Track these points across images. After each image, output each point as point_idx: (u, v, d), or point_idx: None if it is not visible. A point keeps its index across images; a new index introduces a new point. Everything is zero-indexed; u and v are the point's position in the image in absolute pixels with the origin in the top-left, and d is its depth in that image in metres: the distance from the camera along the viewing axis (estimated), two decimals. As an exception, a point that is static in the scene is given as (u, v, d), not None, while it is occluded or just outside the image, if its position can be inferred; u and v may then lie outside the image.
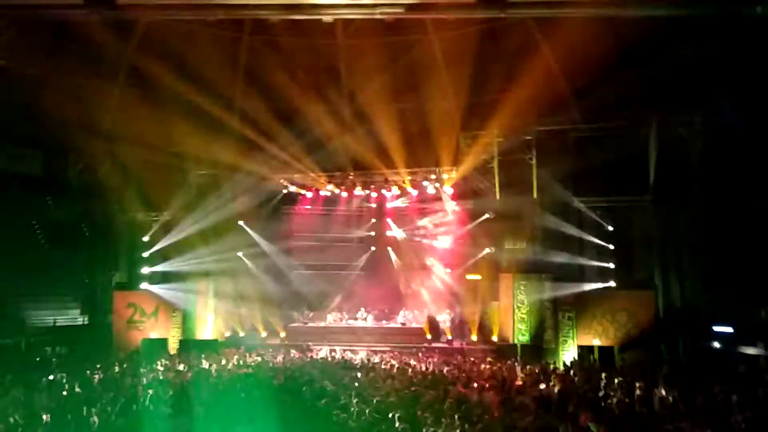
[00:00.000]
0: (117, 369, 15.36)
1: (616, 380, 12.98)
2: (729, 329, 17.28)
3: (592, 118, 19.70)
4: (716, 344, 17.34)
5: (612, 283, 19.58)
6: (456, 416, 9.14)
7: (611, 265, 19.79)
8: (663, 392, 11.77)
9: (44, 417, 9.57)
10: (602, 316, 18.89)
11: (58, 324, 21.42)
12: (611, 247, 19.89)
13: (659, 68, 19.03)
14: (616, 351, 18.41)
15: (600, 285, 19.46)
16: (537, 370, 15.13)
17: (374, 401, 10.33)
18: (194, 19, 16.10)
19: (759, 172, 16.46)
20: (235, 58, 21.66)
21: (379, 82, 21.62)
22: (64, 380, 13.34)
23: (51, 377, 13.75)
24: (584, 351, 18.65)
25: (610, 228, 19.94)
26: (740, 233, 16.84)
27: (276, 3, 9.62)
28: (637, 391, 11.84)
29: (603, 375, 13.52)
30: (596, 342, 18.78)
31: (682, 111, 18.56)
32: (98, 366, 15.47)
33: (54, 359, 17.81)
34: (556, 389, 12.22)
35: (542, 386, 12.58)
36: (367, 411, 9.54)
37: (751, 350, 16.30)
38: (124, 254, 23.37)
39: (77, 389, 12.08)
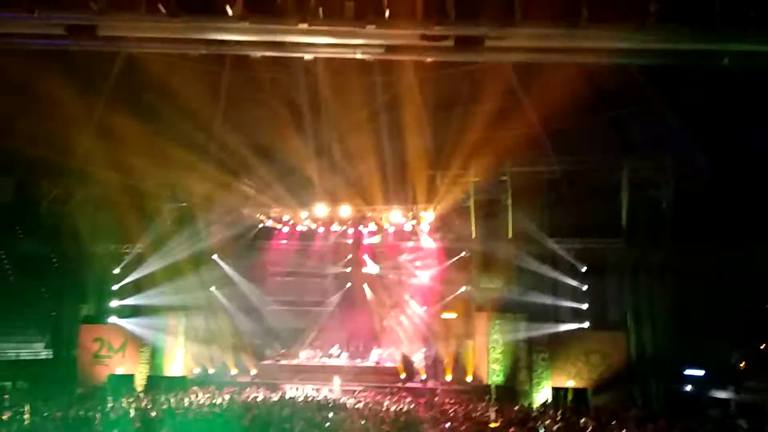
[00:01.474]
0: (79, 405, 14.83)
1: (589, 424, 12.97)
2: (700, 372, 17.41)
3: (565, 160, 20.07)
4: (688, 387, 17.44)
5: (586, 324, 19.67)
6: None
7: (585, 306, 19.91)
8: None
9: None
10: (576, 358, 18.95)
11: (21, 358, 20.71)
12: (585, 288, 20.05)
13: (631, 113, 19.61)
14: (589, 393, 18.38)
15: (574, 326, 19.54)
16: (512, 413, 15.03)
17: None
18: (175, 53, 16.13)
19: (728, 216, 16.87)
20: (213, 91, 21.72)
21: (358, 120, 21.84)
22: (24, 416, 12.86)
23: (9, 413, 13.23)
24: (558, 392, 18.60)
25: (584, 269, 20.14)
26: (712, 276, 17.14)
27: (257, 40, 9.72)
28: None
29: (577, 418, 13.48)
30: (570, 383, 18.75)
31: (653, 156, 19.02)
32: (61, 402, 14.95)
33: (15, 394, 17.17)
34: None
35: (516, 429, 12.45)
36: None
37: (722, 394, 16.42)
38: (93, 287, 22.82)
39: (38, 426, 11.64)
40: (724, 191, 17.27)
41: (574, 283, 20.05)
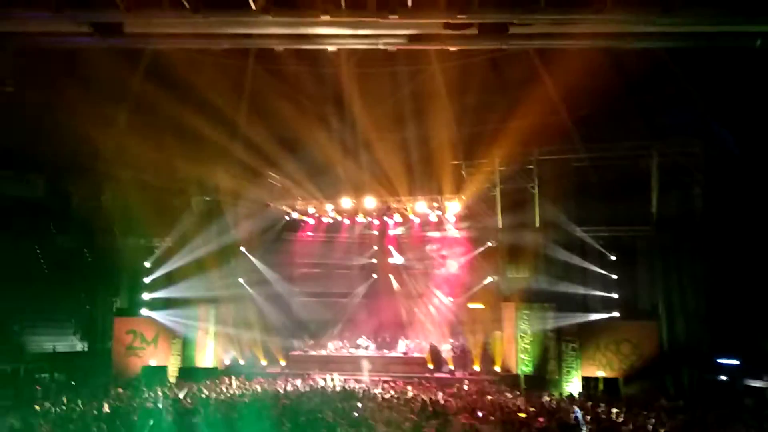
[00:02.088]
0: (116, 396, 15.19)
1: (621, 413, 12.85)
2: (734, 361, 17.09)
3: (593, 147, 19.79)
4: (722, 376, 17.13)
5: (616, 314, 19.43)
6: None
7: (615, 296, 19.65)
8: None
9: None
10: (606, 347, 18.73)
11: (57, 350, 21.27)
12: (614, 277, 19.78)
13: (659, 98, 19.23)
14: (620, 383, 18.18)
15: (604, 315, 19.30)
16: (541, 402, 14.95)
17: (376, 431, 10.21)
18: (200, 48, 16.30)
19: (761, 201, 16.46)
20: (239, 85, 21.89)
21: (383, 111, 21.84)
22: (63, 407, 13.21)
23: (48, 404, 13.60)
24: (588, 382, 18.44)
25: (613, 258, 19.86)
26: (744, 263, 16.76)
27: (280, 33, 9.76)
28: (649, 426, 11.68)
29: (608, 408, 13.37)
30: (600, 373, 18.56)
31: (682, 140, 18.64)
32: (97, 393, 15.33)
33: (52, 386, 17.63)
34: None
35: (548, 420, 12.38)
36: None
37: (757, 383, 16.09)
38: (125, 280, 23.28)
39: (75, 417, 11.94)
40: (756, 176, 16.84)
41: (603, 271, 19.78)
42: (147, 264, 22.22)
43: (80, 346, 22.30)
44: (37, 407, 13.29)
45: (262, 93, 22.03)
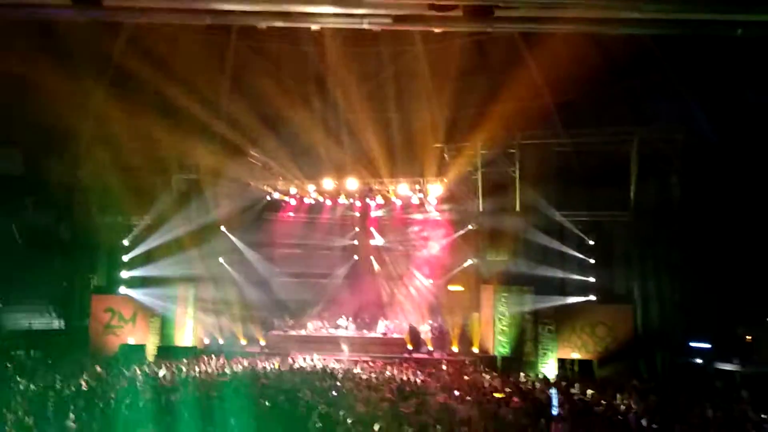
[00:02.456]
0: (93, 374, 15.10)
1: (595, 394, 13.11)
2: (706, 345, 17.49)
3: (575, 132, 19.91)
4: (693, 360, 17.53)
5: (592, 297, 19.74)
6: (437, 427, 9.15)
7: (592, 279, 19.95)
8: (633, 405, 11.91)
9: (10, 417, 9.39)
10: (582, 330, 19.04)
11: (33, 328, 21.05)
12: (592, 261, 20.06)
13: (641, 84, 19.37)
14: (595, 365, 18.54)
15: (580, 299, 19.60)
16: (517, 383, 15.19)
17: (354, 411, 10.30)
18: (181, 24, 16.01)
19: (738, 189, 16.74)
20: (221, 62, 21.60)
21: (366, 92, 21.70)
22: (39, 385, 13.12)
23: (24, 381, 13.49)
24: (564, 364, 18.77)
25: (591, 242, 20.12)
26: (719, 250, 17.09)
27: (263, 10, 9.59)
28: (621, 407, 11.94)
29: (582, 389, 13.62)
30: (575, 355, 18.90)
31: (664, 127, 18.83)
32: (74, 371, 15.24)
33: (28, 363, 17.48)
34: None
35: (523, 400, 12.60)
36: (348, 421, 9.50)
37: (727, 366, 16.51)
38: (103, 258, 23.06)
39: (52, 394, 11.87)
40: (734, 164, 17.11)
41: (581, 255, 20.04)
42: (125, 242, 22.03)
43: (57, 323, 22.09)
44: (12, 385, 13.17)
45: (244, 70, 21.78)
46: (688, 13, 8.40)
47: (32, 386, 13.04)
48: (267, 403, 11.09)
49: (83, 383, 13.53)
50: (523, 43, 19.94)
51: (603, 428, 10.16)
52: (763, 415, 11.12)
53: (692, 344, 17.80)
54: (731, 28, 8.70)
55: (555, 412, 11.63)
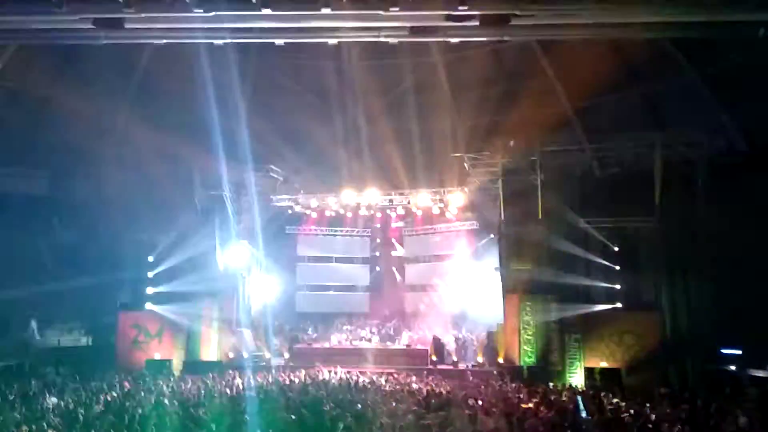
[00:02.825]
0: (121, 389, 15.26)
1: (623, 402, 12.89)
2: (738, 351, 17.10)
3: (597, 138, 19.74)
4: (725, 366, 17.14)
5: (619, 305, 19.43)
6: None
7: (618, 287, 19.65)
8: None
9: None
10: (609, 338, 18.73)
11: (61, 345, 21.36)
12: (617, 268, 19.77)
13: (663, 89, 19.16)
14: (623, 373, 18.22)
15: (607, 306, 19.31)
16: (544, 393, 14.99)
17: (379, 423, 10.24)
18: (201, 42, 16.27)
19: (764, 192, 16.42)
20: (242, 77, 21.87)
21: (385, 104, 21.80)
22: (68, 401, 13.28)
23: (54, 398, 13.67)
24: (591, 373, 18.48)
25: (617, 249, 19.84)
26: (747, 254, 16.74)
27: (281, 26, 9.74)
28: (652, 416, 11.72)
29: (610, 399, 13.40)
30: (603, 364, 18.59)
31: (687, 132, 18.57)
32: (101, 387, 15.42)
33: (57, 380, 17.72)
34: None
35: (550, 410, 12.42)
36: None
37: (760, 372, 16.11)
38: (129, 274, 23.35)
39: (81, 410, 12.00)
40: (759, 167, 16.80)
41: (606, 263, 19.77)
42: (150, 258, 22.29)
43: (84, 340, 22.39)
44: (41, 401, 13.35)
45: (265, 85, 22.01)
46: (708, 14, 8.32)
47: (61, 403, 13.21)
48: (292, 417, 11.08)
49: (111, 399, 13.67)
50: (542, 51, 19.87)
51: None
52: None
53: (723, 351, 17.41)
54: (753, 28, 8.59)
55: (584, 422, 11.45)
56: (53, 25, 9.39)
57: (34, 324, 21.55)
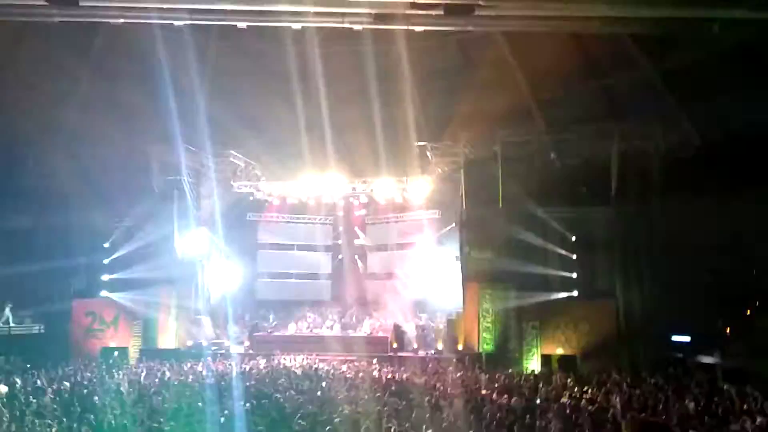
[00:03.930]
0: (74, 378, 14.91)
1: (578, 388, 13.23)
2: (687, 338, 17.71)
3: (556, 129, 20.05)
4: (675, 354, 17.74)
5: (575, 293, 19.87)
6: (424, 426, 9.15)
7: (574, 275, 20.07)
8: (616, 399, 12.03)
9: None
10: (565, 326, 19.17)
11: (12, 332, 20.71)
12: (574, 257, 20.19)
13: (622, 83, 19.58)
14: (578, 360, 18.67)
15: (563, 294, 19.72)
16: (503, 380, 15.26)
17: (339, 410, 10.28)
18: (158, 23, 15.85)
19: (717, 183, 16.96)
20: (203, 60, 21.40)
21: (348, 91, 21.66)
22: (19, 390, 12.92)
23: (4, 387, 13.27)
24: (548, 360, 18.89)
25: (573, 238, 20.24)
26: (699, 244, 17.31)
27: (244, 9, 9.57)
28: (604, 401, 12.04)
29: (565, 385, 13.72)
30: (560, 351, 19.02)
31: (643, 124, 19.03)
32: (54, 375, 15.05)
33: (7, 368, 17.20)
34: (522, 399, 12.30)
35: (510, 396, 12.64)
36: (334, 420, 9.47)
37: (708, 359, 16.73)
38: (84, 261, 22.74)
39: (32, 399, 11.68)
40: (713, 159, 17.36)
41: (563, 252, 20.16)
42: (106, 244, 21.75)
43: (36, 328, 21.76)
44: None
45: (226, 69, 21.60)
46: (665, 11, 8.52)
47: (12, 391, 12.83)
48: (252, 405, 11.02)
49: (63, 388, 13.34)
50: (505, 42, 20.01)
51: (589, 423, 10.22)
52: (744, 407, 11.26)
53: (674, 338, 18.01)
54: (708, 24, 8.83)
55: (540, 407, 11.69)
56: (5, 0, 9.01)
57: (8, 310, 20.84)
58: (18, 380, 14.14)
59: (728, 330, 17.62)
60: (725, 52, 14.99)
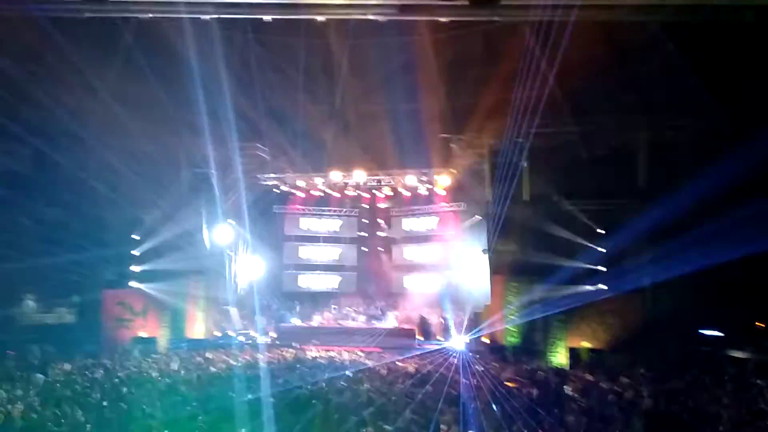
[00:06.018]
0: (105, 367, 15.24)
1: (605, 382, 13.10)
2: (718, 333, 17.39)
3: (583, 120, 19.76)
4: (705, 347, 17.44)
5: (602, 286, 19.63)
6: (446, 416, 9.17)
7: (601, 268, 19.83)
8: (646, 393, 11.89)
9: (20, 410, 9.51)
10: (591, 319, 18.98)
11: (46, 322, 21.22)
12: (602, 250, 19.93)
13: (651, 72, 19.18)
14: (605, 353, 18.48)
15: (590, 287, 19.52)
16: (529, 372, 15.21)
17: (364, 402, 10.35)
18: (186, 17, 16.02)
19: (749, 176, 16.56)
20: (230, 54, 21.55)
21: (372, 83, 21.64)
22: (52, 379, 13.25)
23: (41, 376, 13.62)
24: (574, 353, 18.74)
25: (601, 231, 19.98)
26: (731, 237, 16.94)
27: (269, 2, 9.62)
28: (632, 395, 11.92)
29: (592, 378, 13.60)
30: (586, 344, 18.84)
31: (672, 115, 18.66)
32: (86, 364, 15.39)
33: (41, 357, 17.65)
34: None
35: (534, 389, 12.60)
36: (360, 412, 9.55)
37: (740, 354, 16.41)
38: (114, 252, 23.15)
39: (65, 387, 11.98)
40: (744, 151, 16.93)
41: (591, 245, 19.92)
42: (136, 236, 22.12)
43: (69, 317, 22.25)
44: (25, 378, 13.30)
45: (251, 63, 21.71)
46: (697, -3, 8.32)
47: (46, 380, 13.17)
48: (278, 395, 11.16)
49: (95, 376, 13.65)
50: (531, 33, 19.75)
51: (615, 416, 10.13)
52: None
53: (703, 332, 17.70)
54: (742, 12, 8.63)
55: (568, 400, 11.63)
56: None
57: (30, 302, 21.36)
58: (54, 368, 14.51)
59: (761, 324, 17.25)
60: (758, 40, 14.55)
